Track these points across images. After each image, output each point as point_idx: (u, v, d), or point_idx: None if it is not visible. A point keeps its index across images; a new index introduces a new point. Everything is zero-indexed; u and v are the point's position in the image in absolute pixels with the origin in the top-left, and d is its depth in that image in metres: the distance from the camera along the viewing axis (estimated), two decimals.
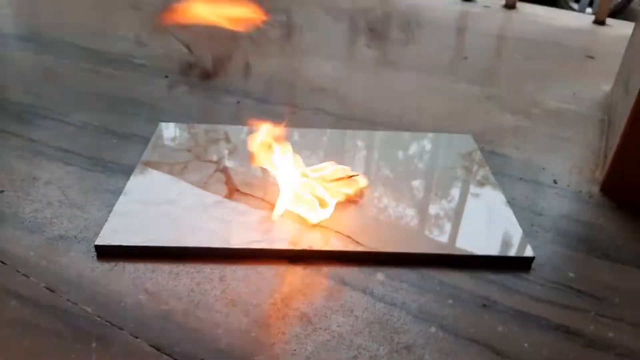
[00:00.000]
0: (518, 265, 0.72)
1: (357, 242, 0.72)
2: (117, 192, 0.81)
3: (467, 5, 1.96)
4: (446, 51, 1.53)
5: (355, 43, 1.53)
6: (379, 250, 0.71)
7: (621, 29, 1.74)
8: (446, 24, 1.77)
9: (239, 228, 0.73)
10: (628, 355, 0.61)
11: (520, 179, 0.92)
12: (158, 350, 0.58)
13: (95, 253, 0.70)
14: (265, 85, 1.19)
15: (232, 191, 0.81)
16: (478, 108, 1.17)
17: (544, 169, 0.95)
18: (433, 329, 0.62)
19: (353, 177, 0.82)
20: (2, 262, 0.69)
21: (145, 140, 0.95)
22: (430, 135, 1.01)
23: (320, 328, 0.61)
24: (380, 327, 0.62)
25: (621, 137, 0.86)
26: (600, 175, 0.93)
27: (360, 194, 0.81)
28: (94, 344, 0.58)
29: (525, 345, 0.61)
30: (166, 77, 1.24)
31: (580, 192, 0.89)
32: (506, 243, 0.74)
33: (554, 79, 1.34)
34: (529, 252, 0.72)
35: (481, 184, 0.87)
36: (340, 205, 0.79)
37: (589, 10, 3.09)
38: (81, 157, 0.91)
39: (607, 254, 0.76)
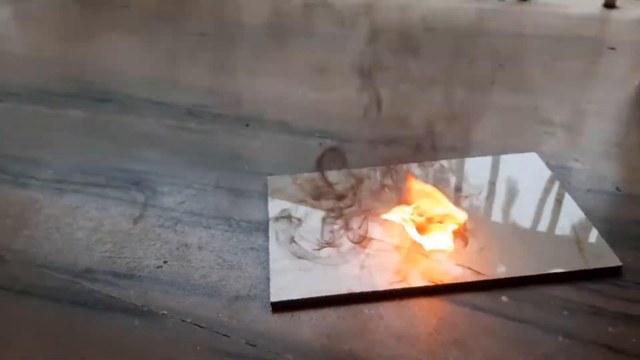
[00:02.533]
0: (610, 273, 0.88)
1: (478, 272, 0.88)
2: (262, 249, 0.97)
3: (481, 1, 2.08)
4: (481, 60, 1.66)
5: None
6: (497, 278, 0.87)
7: (633, 12, 1.87)
8: (466, 26, 1.89)
9: (378, 271, 0.90)
10: None
11: (589, 190, 1.08)
12: None
13: (271, 308, 0.86)
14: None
15: (361, 239, 0.97)
16: (531, 120, 1.32)
17: (605, 177, 1.11)
18: (560, 338, 0.79)
19: (449, 214, 0.98)
20: (200, 326, 0.85)
21: (259, 194, 1.10)
22: (503, 157, 1.16)
23: (474, 349, 0.78)
24: (519, 342, 0.79)
25: None
26: None
27: (463, 227, 0.97)
28: None
29: (633, 340, 0.78)
30: (247, 125, 1.38)
31: None
32: (597, 255, 0.91)
33: (587, 79, 1.49)
34: (615, 261, 0.89)
35: (559, 201, 1.03)
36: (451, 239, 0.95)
37: None
38: (216, 219, 1.06)
39: None
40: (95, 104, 1.53)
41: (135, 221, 1.08)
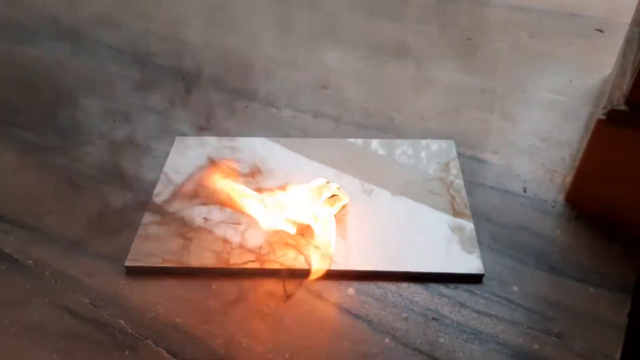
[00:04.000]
0: (470, 280, 0.85)
1: (334, 261, 0.87)
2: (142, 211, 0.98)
3: None
4: (453, 30, 1.55)
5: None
6: (349, 269, 0.86)
7: None
8: None
9: (238, 249, 0.89)
10: None
11: (492, 187, 1.02)
12: (174, 357, 0.77)
13: (126, 272, 0.88)
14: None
15: (235, 210, 0.96)
16: (470, 104, 1.24)
17: (517, 175, 1.04)
18: (387, 340, 0.78)
19: (337, 195, 0.95)
20: (55, 281, 0.88)
21: (165, 154, 1.10)
22: (414, 142, 1.11)
23: (300, 336, 0.78)
24: (346, 338, 0.78)
25: (585, 150, 0.93)
26: (570, 182, 1.01)
27: (342, 210, 0.95)
28: (127, 352, 0.78)
29: (460, 354, 0.76)
30: (183, 79, 1.36)
31: (546, 201, 0.99)
32: (462, 260, 0.87)
33: (554, 62, 1.38)
34: (480, 269, 0.85)
35: (451, 197, 0.98)
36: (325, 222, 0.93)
37: None
38: (111, 176, 1.07)
39: (553, 267, 0.87)
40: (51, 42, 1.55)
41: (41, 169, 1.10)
